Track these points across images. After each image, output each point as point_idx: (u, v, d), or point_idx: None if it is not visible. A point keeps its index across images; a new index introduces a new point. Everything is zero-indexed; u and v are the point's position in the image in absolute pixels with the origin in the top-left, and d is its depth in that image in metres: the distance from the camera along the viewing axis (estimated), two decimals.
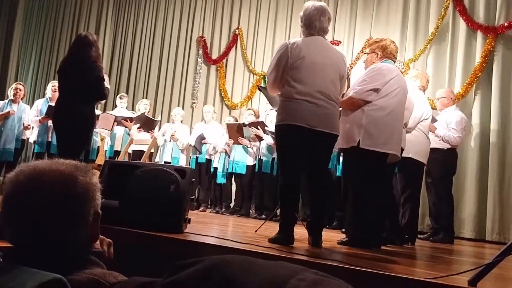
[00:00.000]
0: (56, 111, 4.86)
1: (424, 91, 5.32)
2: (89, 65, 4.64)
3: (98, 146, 7.69)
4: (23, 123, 7.33)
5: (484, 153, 6.74)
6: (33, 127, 7.49)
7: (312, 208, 3.66)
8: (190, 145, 8.24)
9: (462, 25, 7.29)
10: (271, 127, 6.86)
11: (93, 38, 4.80)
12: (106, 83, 4.92)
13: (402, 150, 4.26)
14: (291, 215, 3.56)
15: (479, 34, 7.09)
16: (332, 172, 6.55)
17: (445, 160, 5.70)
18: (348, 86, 4.16)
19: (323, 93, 3.49)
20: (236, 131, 7.53)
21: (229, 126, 7.69)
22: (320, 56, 3.55)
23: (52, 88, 7.33)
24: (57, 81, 7.29)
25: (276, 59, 3.58)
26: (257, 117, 7.89)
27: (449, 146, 5.71)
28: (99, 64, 4.72)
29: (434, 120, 5.59)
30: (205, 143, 8.07)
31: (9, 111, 7.17)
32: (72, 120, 4.62)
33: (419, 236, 5.62)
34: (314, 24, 3.61)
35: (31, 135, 7.62)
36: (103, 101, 5.60)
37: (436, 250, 4.60)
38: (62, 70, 4.83)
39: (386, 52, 4.08)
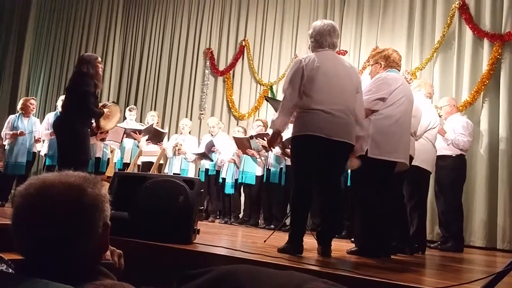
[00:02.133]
0: (54, 125, 5.20)
1: (431, 97, 5.31)
2: (77, 80, 4.91)
3: (108, 158, 7.73)
4: (34, 136, 7.39)
5: (493, 160, 6.69)
6: (44, 140, 7.54)
7: (324, 217, 3.66)
8: (198, 156, 8.20)
9: (468, 33, 7.28)
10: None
11: (90, 57, 5.07)
12: (117, 113, 5.20)
13: (412, 158, 4.25)
14: (302, 225, 3.57)
15: (486, 42, 7.07)
16: (341, 181, 6.54)
17: (454, 166, 5.67)
18: None
19: (339, 103, 3.51)
20: (243, 143, 7.55)
21: (236, 139, 7.71)
22: (333, 67, 3.58)
23: (61, 103, 7.45)
24: None
25: (291, 74, 3.61)
26: (266, 127, 7.90)
27: (458, 152, 5.68)
28: (87, 79, 4.90)
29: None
30: (214, 151, 8.03)
31: (21, 132, 7.23)
32: (64, 135, 4.93)
33: (429, 245, 5.59)
34: (325, 38, 3.67)
35: (42, 148, 7.67)
36: (108, 128, 5.76)
37: (446, 259, 4.57)
38: (66, 87, 5.24)
39: (389, 61, 4.10)
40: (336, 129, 3.47)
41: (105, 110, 5.23)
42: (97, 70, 5.04)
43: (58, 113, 7.39)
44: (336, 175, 3.69)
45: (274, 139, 3.78)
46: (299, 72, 3.56)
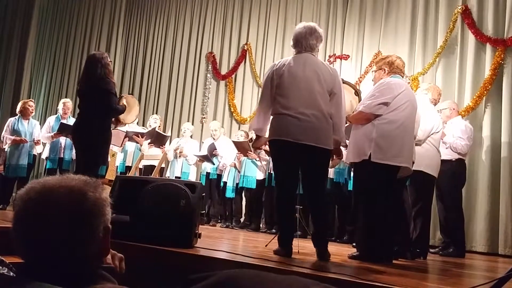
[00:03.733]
0: (74, 129, 4.98)
1: (435, 104, 5.30)
2: (97, 82, 4.77)
3: (108, 162, 7.73)
4: (33, 139, 7.38)
5: (495, 165, 6.68)
6: (45, 144, 7.54)
7: (313, 221, 3.72)
8: (200, 158, 8.20)
9: (471, 38, 7.28)
10: None
11: (101, 55, 4.93)
12: (135, 105, 5.13)
13: (412, 162, 4.24)
14: (288, 228, 3.61)
15: (488, 47, 7.07)
16: (343, 186, 6.55)
17: (454, 171, 5.64)
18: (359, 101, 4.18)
19: (309, 106, 3.52)
20: (244, 146, 7.57)
21: (236, 143, 7.74)
22: (301, 69, 3.59)
23: (62, 106, 7.47)
24: (68, 99, 7.45)
25: (264, 79, 3.72)
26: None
27: (457, 156, 5.66)
28: (107, 79, 4.82)
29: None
30: (216, 155, 8.03)
31: (21, 139, 7.22)
32: (89, 137, 4.74)
33: (430, 250, 5.57)
34: (300, 42, 3.70)
35: (43, 152, 7.67)
36: (130, 121, 5.77)
37: (448, 264, 4.56)
38: (78, 90, 5.02)
39: (393, 67, 4.10)
40: (305, 133, 3.47)
41: (124, 102, 5.19)
42: (110, 68, 4.96)
43: (59, 116, 7.44)
44: (315, 180, 3.66)
45: (255, 142, 3.90)
46: (269, 77, 3.65)
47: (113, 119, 5.12)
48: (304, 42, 3.68)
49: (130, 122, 5.89)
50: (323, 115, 3.54)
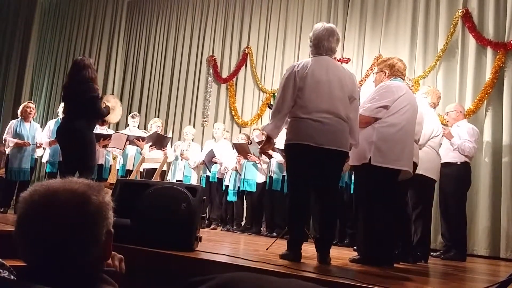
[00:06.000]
0: (58, 131, 5.16)
1: (434, 108, 5.30)
2: (84, 87, 4.91)
3: (111, 165, 7.73)
4: (36, 142, 7.39)
5: (497, 169, 6.67)
6: (45, 147, 7.54)
7: (321, 225, 3.67)
8: (201, 162, 8.25)
9: (471, 41, 7.28)
10: (280, 144, 6.86)
11: (88, 61, 5.08)
12: (117, 105, 5.20)
13: (416, 165, 4.23)
14: (299, 232, 3.58)
15: (489, 50, 7.07)
16: (344, 190, 6.53)
17: (459, 174, 5.63)
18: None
19: (329, 111, 3.50)
20: (244, 148, 7.58)
21: (236, 145, 7.76)
22: (324, 73, 3.57)
23: (62, 110, 7.49)
24: None
25: (284, 80, 3.63)
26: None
27: (463, 160, 5.64)
28: (93, 85, 4.97)
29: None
30: (215, 162, 8.08)
31: (24, 142, 7.23)
32: (71, 139, 4.93)
33: (432, 253, 5.56)
34: (322, 43, 3.66)
35: (44, 155, 7.67)
36: (115, 121, 5.89)
37: (449, 268, 4.55)
38: (63, 92, 5.25)
39: (394, 70, 4.10)
40: (326, 137, 3.47)
41: (108, 104, 5.40)
42: (96, 74, 5.15)
43: (59, 120, 7.44)
44: (331, 183, 3.67)
45: (266, 144, 3.80)
46: (291, 78, 3.58)
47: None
48: (326, 44, 3.65)
49: (115, 121, 6.00)
50: (342, 119, 3.54)
